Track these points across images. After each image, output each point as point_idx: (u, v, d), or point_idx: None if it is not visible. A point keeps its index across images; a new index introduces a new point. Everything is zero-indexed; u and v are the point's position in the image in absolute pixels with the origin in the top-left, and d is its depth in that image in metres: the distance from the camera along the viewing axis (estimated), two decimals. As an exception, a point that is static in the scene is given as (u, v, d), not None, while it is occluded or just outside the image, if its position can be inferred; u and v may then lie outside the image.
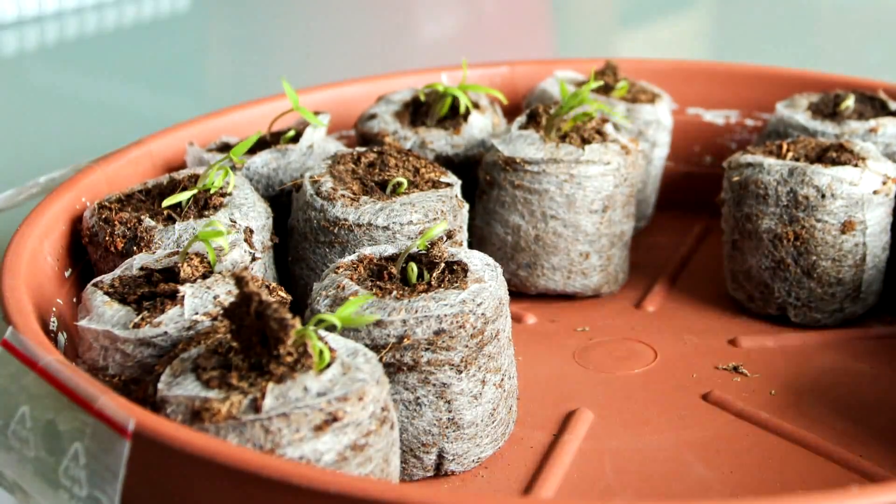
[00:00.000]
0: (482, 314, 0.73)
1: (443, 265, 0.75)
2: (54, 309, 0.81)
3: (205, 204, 0.84)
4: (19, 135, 1.41)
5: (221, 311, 0.68)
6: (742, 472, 0.78)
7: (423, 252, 0.76)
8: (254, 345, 0.65)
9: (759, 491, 0.76)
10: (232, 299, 0.73)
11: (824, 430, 0.82)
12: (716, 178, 1.06)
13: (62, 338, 0.80)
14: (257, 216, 0.85)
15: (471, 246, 0.93)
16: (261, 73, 1.62)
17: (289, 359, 0.64)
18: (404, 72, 1.13)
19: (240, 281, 0.65)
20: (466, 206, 0.89)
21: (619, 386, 0.87)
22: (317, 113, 0.95)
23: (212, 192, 0.84)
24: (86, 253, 0.87)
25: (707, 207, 1.11)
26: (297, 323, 0.65)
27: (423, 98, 1.00)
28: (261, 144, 0.95)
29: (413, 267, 0.75)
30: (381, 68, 1.19)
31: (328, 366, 0.65)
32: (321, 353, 0.65)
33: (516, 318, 0.94)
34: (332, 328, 0.70)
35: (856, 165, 0.90)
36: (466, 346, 0.73)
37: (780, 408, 0.84)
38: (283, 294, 0.76)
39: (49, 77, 1.62)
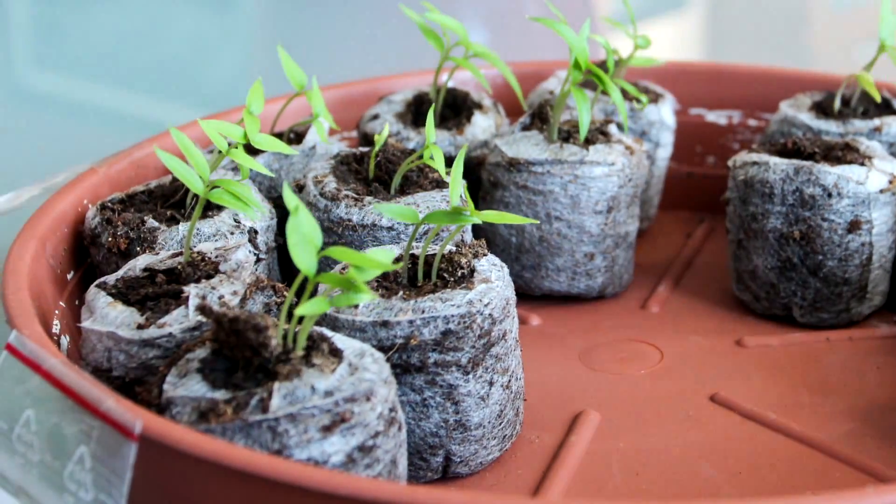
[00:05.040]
0: (489, 315, 0.73)
1: (460, 271, 0.75)
2: (57, 312, 0.81)
3: (208, 203, 0.83)
4: (20, 138, 1.40)
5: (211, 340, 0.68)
6: (750, 473, 0.77)
7: (434, 253, 0.76)
8: (249, 359, 0.65)
9: (768, 492, 0.76)
10: (236, 301, 0.72)
11: (832, 430, 0.81)
12: (719, 178, 1.06)
13: (65, 341, 0.80)
14: (261, 217, 0.84)
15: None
16: (261, 74, 1.62)
17: (299, 358, 0.64)
18: (406, 73, 1.13)
19: (203, 310, 0.66)
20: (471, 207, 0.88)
21: (625, 387, 0.87)
22: (316, 115, 0.95)
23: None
24: (88, 256, 0.86)
25: (710, 208, 1.10)
26: (270, 321, 0.64)
27: (432, 96, 0.99)
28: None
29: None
30: (381, 70, 1.19)
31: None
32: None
33: (521, 320, 0.93)
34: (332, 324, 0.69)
35: (862, 164, 0.90)
36: (474, 347, 0.73)
37: (787, 408, 0.84)
38: (287, 294, 0.75)
39: (49, 80, 1.62)
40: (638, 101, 1.02)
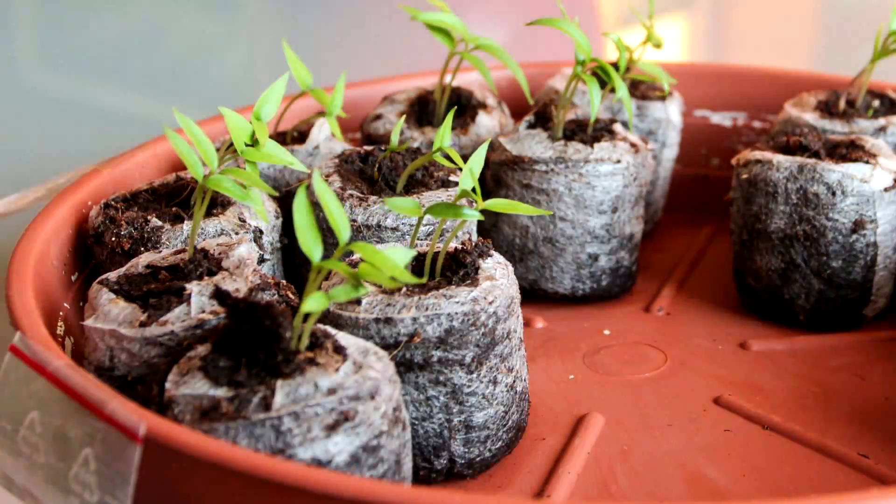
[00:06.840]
0: (494, 312, 0.73)
1: (464, 269, 0.75)
2: (61, 313, 0.81)
3: (213, 202, 0.83)
4: (24, 139, 1.40)
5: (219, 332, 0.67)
6: (754, 476, 0.77)
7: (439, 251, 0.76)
8: (257, 351, 0.64)
9: (772, 494, 0.75)
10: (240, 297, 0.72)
11: (836, 433, 0.81)
12: (724, 180, 1.06)
13: (69, 342, 0.80)
14: (265, 213, 0.84)
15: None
16: (264, 75, 1.62)
17: (303, 356, 0.64)
18: (407, 74, 1.13)
19: (220, 296, 0.65)
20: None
21: (629, 390, 0.87)
22: (321, 114, 0.94)
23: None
24: (93, 257, 0.86)
25: (715, 211, 1.10)
26: (287, 311, 0.64)
27: (436, 95, 0.99)
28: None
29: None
30: (385, 71, 1.19)
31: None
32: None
33: (525, 322, 0.93)
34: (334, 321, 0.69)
35: (867, 162, 0.89)
36: (478, 346, 0.73)
37: (790, 411, 0.84)
38: (291, 294, 0.75)
39: (53, 81, 1.62)
40: (661, 89, 1.02)
